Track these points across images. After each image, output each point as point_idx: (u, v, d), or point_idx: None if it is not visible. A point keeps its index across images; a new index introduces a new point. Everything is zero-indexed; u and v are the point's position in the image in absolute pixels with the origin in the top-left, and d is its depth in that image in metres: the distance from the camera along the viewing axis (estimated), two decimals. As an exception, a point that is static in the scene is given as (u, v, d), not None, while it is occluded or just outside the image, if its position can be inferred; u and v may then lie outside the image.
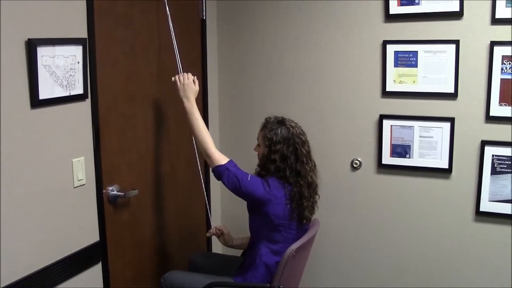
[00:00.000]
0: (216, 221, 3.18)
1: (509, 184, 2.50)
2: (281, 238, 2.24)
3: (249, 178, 2.22)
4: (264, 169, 2.29)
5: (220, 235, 2.63)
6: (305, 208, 2.26)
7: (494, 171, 2.53)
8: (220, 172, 2.24)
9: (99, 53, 2.12)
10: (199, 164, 2.61)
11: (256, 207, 2.25)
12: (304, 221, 2.29)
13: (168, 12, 2.41)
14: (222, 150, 3.10)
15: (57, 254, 1.97)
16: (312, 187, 2.30)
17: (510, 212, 2.51)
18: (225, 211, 3.23)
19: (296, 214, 2.25)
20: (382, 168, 2.77)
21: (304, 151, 2.27)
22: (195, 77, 2.41)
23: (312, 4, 2.79)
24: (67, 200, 2.00)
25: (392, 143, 2.72)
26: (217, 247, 3.18)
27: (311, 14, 2.80)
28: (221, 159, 2.27)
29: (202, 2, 2.87)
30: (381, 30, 2.66)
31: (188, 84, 2.34)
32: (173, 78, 2.37)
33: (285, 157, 2.24)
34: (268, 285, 2.19)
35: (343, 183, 2.88)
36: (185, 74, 2.38)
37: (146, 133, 2.50)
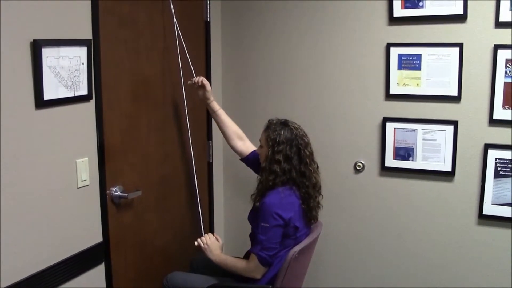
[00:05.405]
0: (218, 223, 3.18)
1: (512, 188, 2.50)
2: (293, 243, 2.25)
3: (266, 223, 2.19)
4: (270, 172, 2.27)
5: (201, 86, 2.56)
6: (312, 208, 2.30)
7: (497, 175, 2.52)
8: (263, 260, 2.20)
9: (104, 54, 2.12)
10: (194, 166, 2.59)
11: (287, 230, 2.22)
12: (312, 220, 2.35)
13: (174, 13, 2.42)
14: (225, 152, 3.13)
15: (60, 254, 1.97)
16: (316, 188, 2.33)
17: (513, 216, 2.51)
18: (228, 211, 3.24)
19: (308, 214, 2.29)
20: (385, 170, 2.77)
21: (308, 153, 2.29)
22: (214, 233, 2.45)
23: (316, 6, 2.79)
24: (70, 200, 2.01)
25: (395, 145, 2.72)
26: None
27: (315, 16, 2.80)
28: (252, 261, 2.23)
29: (207, 3, 2.88)
30: (385, 32, 2.66)
31: (212, 243, 2.39)
32: (196, 243, 2.41)
33: (289, 158, 2.25)
34: (271, 286, 2.19)
35: (346, 186, 2.87)
36: (206, 235, 2.42)
37: (150, 134, 2.50)
